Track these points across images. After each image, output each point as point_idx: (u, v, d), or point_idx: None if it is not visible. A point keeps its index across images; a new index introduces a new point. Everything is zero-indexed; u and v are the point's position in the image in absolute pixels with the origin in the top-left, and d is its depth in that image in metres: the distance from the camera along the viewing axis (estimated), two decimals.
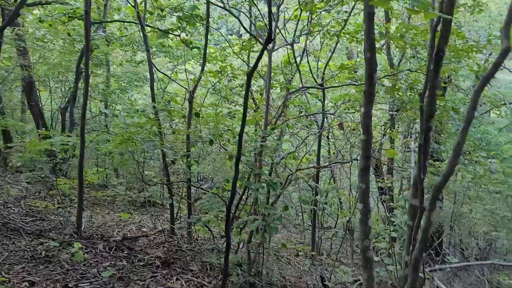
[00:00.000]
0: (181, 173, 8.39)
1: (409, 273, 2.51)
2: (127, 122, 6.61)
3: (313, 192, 6.79)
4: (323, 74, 6.13)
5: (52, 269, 4.08)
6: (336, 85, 5.52)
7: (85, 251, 4.70)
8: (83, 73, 5.34)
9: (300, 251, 6.65)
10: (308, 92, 6.79)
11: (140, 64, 10.88)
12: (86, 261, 4.39)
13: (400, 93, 5.20)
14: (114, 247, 4.97)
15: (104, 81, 10.66)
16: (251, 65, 5.82)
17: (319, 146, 6.77)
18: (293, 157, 6.11)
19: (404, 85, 4.85)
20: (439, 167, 7.97)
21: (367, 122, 2.98)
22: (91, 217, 6.54)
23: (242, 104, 6.25)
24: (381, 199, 8.74)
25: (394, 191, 9.02)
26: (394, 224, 6.52)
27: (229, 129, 5.24)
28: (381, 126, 6.92)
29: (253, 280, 4.58)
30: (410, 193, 3.06)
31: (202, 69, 5.66)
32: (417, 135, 7.78)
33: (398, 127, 9.19)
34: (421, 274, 6.18)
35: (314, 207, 6.81)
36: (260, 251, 4.89)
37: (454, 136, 8.03)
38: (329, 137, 8.08)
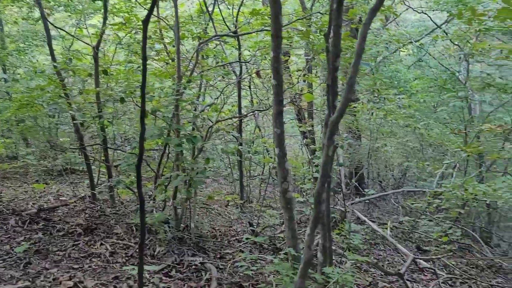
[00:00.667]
0: (95, 136, 7.97)
1: (313, 207, 2.60)
2: (31, 86, 6.04)
3: (237, 143, 6.81)
4: (236, 21, 5.96)
5: None
6: (249, 31, 5.40)
7: None
8: None
9: (229, 201, 6.74)
10: (224, 42, 6.61)
11: (40, 21, 9.82)
12: None
13: (312, 36, 5.22)
14: (28, 220, 4.66)
15: None
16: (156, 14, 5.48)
17: (239, 96, 6.71)
18: (215, 110, 6.02)
19: (315, 28, 4.86)
20: (355, 107, 8.36)
21: (276, 66, 2.96)
22: (0, 192, 6.04)
23: (152, 58, 5.95)
24: (304, 142, 9.05)
25: (316, 134, 9.38)
26: (316, 165, 6.82)
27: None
28: (297, 71, 6.98)
29: (182, 235, 4.57)
30: (322, 133, 3.15)
31: (104, 22, 5.23)
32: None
33: (316, 71, 9.38)
34: (342, 208, 6.57)
35: (239, 157, 6.87)
36: (187, 206, 4.86)
37: (366, 76, 8.40)
38: (250, 86, 8.04)
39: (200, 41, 5.15)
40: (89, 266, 3.70)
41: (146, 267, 3.59)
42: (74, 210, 5.51)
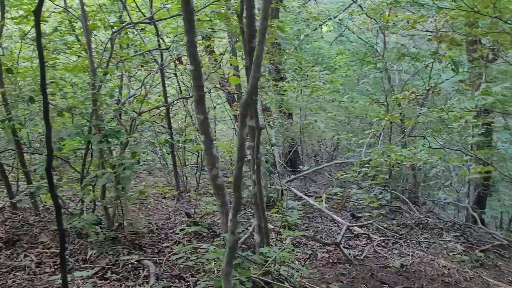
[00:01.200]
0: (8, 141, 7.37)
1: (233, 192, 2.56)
2: None
3: (167, 133, 6.63)
4: (151, 7, 5.70)
5: None
6: (165, 17, 5.18)
7: None
8: None
9: (166, 193, 6.57)
10: (142, 29, 6.31)
11: None
12: None
13: (231, 19, 5.14)
14: None
15: None
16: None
17: (163, 84, 6.49)
18: (141, 101, 5.77)
19: (233, 10, 4.78)
20: (282, 86, 8.45)
21: (192, 51, 2.85)
22: None
23: (62, 51, 5.54)
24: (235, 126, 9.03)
25: None
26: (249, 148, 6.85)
27: (52, 82, 4.61)
28: (220, 54, 6.88)
29: (115, 235, 4.38)
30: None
31: (2, 16, 4.76)
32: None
33: (241, 54, 9.33)
34: (278, 187, 6.65)
35: (168, 147, 6.70)
36: (118, 204, 4.65)
37: (292, 55, 8.49)
38: (176, 74, 7.81)
39: (114, 30, 4.88)
40: (14, 281, 3.43)
41: (77, 273, 3.40)
42: None
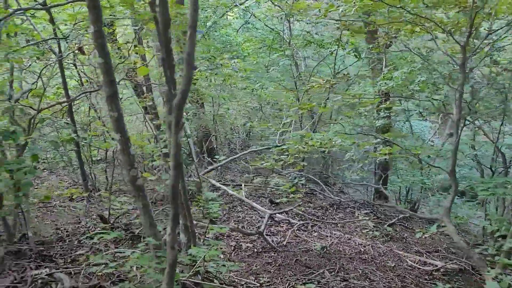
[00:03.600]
0: None
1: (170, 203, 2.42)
2: None
3: (70, 130, 6.07)
4: None
5: None
6: (60, 3, 4.67)
7: None
8: None
9: (73, 194, 6.05)
10: (32, 16, 5.64)
11: None
12: None
13: (136, 5, 4.80)
14: None
15: None
16: None
17: (63, 77, 5.91)
18: (37, 95, 5.18)
19: None
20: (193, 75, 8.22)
21: (101, 42, 2.59)
22: None
23: None
24: (147, 118, 8.62)
25: (158, 108, 9.05)
26: (164, 140, 6.58)
27: None
28: (125, 43, 6.45)
29: (18, 248, 3.91)
30: (166, 110, 2.93)
31: None
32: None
33: (147, 42, 8.87)
34: (196, 179, 6.52)
35: (76, 145, 6.18)
36: (19, 213, 4.16)
37: (201, 43, 8.28)
38: (76, 65, 7.17)
39: None
40: None
41: None
42: None
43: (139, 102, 8.92)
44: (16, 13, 4.30)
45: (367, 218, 6.11)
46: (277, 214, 5.66)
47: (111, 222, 4.88)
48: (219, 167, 8.18)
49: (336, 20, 5.92)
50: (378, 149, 5.35)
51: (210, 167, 7.74)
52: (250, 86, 9.20)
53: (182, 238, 3.16)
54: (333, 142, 4.91)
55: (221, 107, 10.50)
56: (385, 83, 5.65)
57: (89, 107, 8.12)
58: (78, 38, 5.46)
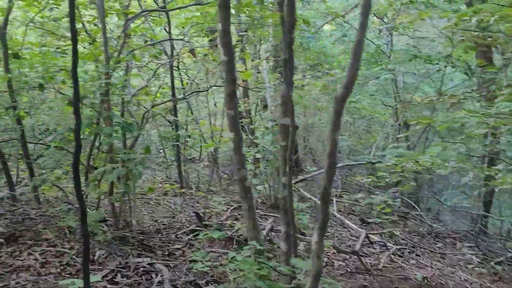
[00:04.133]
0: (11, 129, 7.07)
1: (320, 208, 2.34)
2: None
3: (173, 127, 6.36)
4: None
5: None
6: (181, 5, 4.92)
7: None
8: None
9: (168, 190, 6.31)
10: (151, 19, 6.05)
11: None
12: None
13: (249, 9, 4.89)
14: None
15: None
16: None
17: (172, 77, 6.23)
18: (146, 93, 5.51)
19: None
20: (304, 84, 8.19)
21: (227, 41, 2.62)
22: None
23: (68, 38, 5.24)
24: (241, 122, 8.79)
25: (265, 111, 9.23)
26: (257, 145, 6.63)
27: (62, 69, 4.33)
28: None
29: (123, 234, 4.13)
30: (280, 112, 2.88)
31: None
32: (268, 53, 7.76)
33: (246, 48, 9.07)
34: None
35: (177, 142, 6.45)
36: (125, 201, 4.40)
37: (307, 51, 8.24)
38: (179, 67, 7.54)
39: (128, 17, 4.61)
40: (17, 283, 3.17)
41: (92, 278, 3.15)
42: None
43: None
44: (141, 14, 4.60)
45: (472, 252, 5.54)
46: (373, 236, 5.36)
47: (206, 220, 4.98)
48: (309, 178, 8.03)
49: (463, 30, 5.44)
50: (497, 176, 4.81)
51: (300, 177, 7.62)
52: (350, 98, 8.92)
53: (282, 247, 3.07)
54: (446, 164, 4.51)
55: (312, 117, 10.36)
56: (505, 105, 5.10)
57: (188, 108, 8.43)
58: (190, 42, 5.71)
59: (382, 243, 5.15)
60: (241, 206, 3.06)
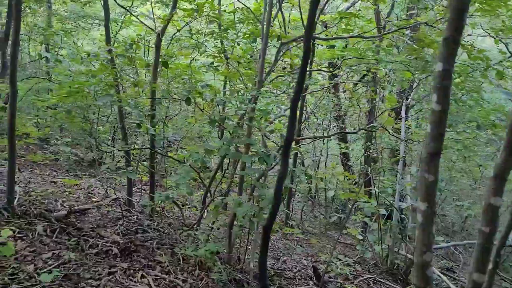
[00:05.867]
0: (139, 134, 7.21)
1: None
2: (72, 70, 5.34)
3: (297, 164, 5.90)
4: (318, 19, 5.01)
5: None
6: (344, 36, 4.47)
7: (18, 235, 3.56)
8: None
9: (288, 233, 5.71)
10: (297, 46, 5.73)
11: (87, 5, 9.11)
12: (19, 253, 3.27)
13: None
14: (58, 229, 3.84)
15: (45, 20, 8.92)
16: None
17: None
18: (265, 120, 5.15)
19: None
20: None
21: (446, 84, 2.04)
22: (28, 183, 5.28)
23: (222, 56, 5.09)
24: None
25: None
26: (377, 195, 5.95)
27: (208, 85, 4.13)
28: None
29: (238, 276, 3.68)
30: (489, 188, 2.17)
31: (174, 6, 4.43)
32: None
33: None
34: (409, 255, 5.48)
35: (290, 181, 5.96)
36: (240, 235, 3.99)
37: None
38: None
39: (283, 41, 4.30)
40: None
41: None
42: (107, 216, 4.71)
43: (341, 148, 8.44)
44: (299, 39, 4.25)
45: None
46: None
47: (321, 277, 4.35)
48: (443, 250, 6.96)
49: None
50: None
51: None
52: None
53: None
54: None
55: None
56: None
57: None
58: (339, 75, 5.25)
59: None
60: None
